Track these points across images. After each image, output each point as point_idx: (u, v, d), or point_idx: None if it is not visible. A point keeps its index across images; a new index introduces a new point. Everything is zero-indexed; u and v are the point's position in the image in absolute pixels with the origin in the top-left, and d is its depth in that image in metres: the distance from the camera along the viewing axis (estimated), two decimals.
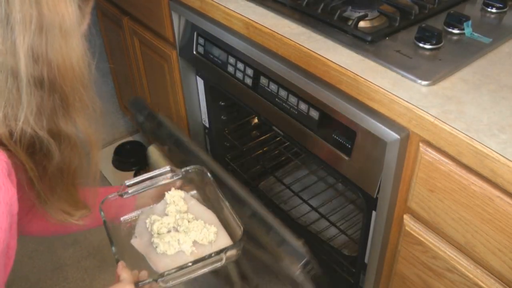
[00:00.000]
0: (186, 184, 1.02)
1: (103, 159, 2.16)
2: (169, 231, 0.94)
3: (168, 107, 1.61)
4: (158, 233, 0.93)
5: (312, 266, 0.87)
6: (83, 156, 0.74)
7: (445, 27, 0.94)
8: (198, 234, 0.92)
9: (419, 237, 0.86)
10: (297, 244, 0.91)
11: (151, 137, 1.28)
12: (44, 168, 0.68)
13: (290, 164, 1.67)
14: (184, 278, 0.86)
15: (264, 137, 1.64)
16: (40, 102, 0.62)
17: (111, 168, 2.12)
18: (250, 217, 0.94)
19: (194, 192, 1.03)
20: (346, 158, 0.93)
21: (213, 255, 0.85)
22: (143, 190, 0.97)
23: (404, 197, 0.87)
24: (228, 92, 1.24)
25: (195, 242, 0.91)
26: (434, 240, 0.84)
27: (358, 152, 0.90)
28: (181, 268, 0.84)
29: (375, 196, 0.91)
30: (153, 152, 1.24)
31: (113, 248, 0.90)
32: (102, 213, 0.92)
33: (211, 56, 1.22)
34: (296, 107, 1.01)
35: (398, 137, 0.79)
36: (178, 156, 1.17)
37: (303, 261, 0.86)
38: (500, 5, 1.00)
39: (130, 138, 2.28)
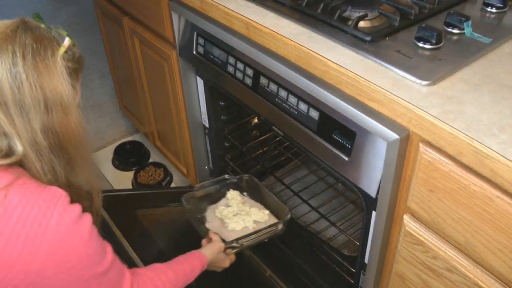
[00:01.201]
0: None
1: (103, 159, 2.16)
2: (234, 215, 1.34)
3: (168, 107, 1.61)
4: (227, 218, 1.32)
5: None
6: (88, 199, 0.87)
7: (445, 27, 0.94)
8: (257, 215, 1.33)
9: (419, 237, 0.86)
10: None
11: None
12: None
13: (290, 164, 1.67)
14: (254, 242, 1.25)
15: (264, 137, 1.64)
16: (53, 163, 0.77)
17: (111, 168, 2.12)
18: None
19: (244, 193, 1.45)
20: (346, 158, 0.93)
21: (268, 227, 1.27)
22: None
23: (404, 197, 0.87)
24: (228, 92, 1.24)
25: (254, 221, 1.31)
26: (434, 240, 0.84)
27: (358, 152, 0.90)
28: (250, 234, 1.24)
29: (375, 196, 0.91)
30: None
31: (204, 226, 1.28)
32: (185, 203, 1.31)
33: (211, 56, 1.22)
34: (296, 107, 1.01)
35: (398, 137, 0.79)
36: None
37: None
38: (500, 5, 1.00)
39: (130, 138, 2.28)
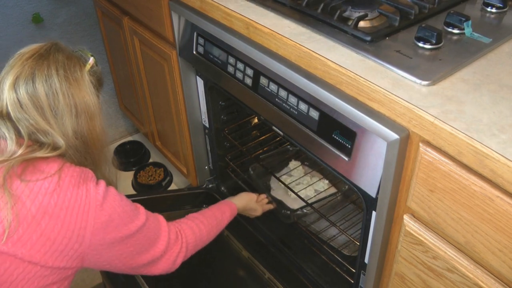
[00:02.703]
0: None
1: None
2: (297, 184, 1.52)
3: (168, 107, 1.61)
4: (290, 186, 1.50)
5: None
6: None
7: (445, 27, 0.94)
8: (317, 184, 1.53)
9: (419, 237, 0.86)
10: None
11: None
12: None
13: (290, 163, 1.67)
14: (315, 211, 1.39)
15: (264, 137, 1.64)
16: (83, 160, 0.92)
17: None
18: None
19: (306, 163, 1.61)
20: (346, 158, 0.93)
21: (328, 196, 1.44)
22: None
23: (404, 197, 0.87)
24: (228, 92, 1.24)
25: (315, 190, 1.50)
26: (434, 240, 0.84)
27: (358, 152, 0.90)
28: (313, 203, 1.40)
29: (375, 196, 0.91)
30: None
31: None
32: (251, 172, 1.53)
33: (211, 56, 1.22)
34: (296, 107, 1.01)
35: (398, 137, 0.79)
36: None
37: None
38: (500, 5, 1.00)
39: (130, 138, 2.28)
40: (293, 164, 1.62)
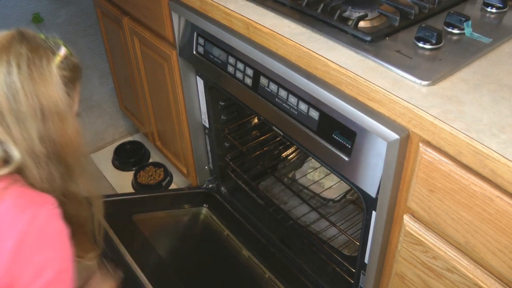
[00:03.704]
0: None
1: (103, 159, 2.16)
2: (326, 175, 1.57)
3: (168, 107, 1.61)
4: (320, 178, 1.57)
5: None
6: (88, 208, 0.88)
7: (445, 27, 0.94)
8: (333, 178, 1.57)
9: (419, 237, 0.86)
10: None
11: None
12: None
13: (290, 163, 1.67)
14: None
15: (264, 137, 1.64)
16: (51, 171, 0.78)
17: (111, 168, 2.12)
18: None
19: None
20: (346, 158, 0.93)
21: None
22: None
23: (404, 197, 0.87)
24: (228, 92, 1.24)
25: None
26: (434, 240, 0.84)
27: (358, 152, 0.90)
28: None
29: (375, 196, 0.91)
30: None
31: None
32: None
33: (211, 56, 1.22)
34: (296, 107, 1.01)
35: (398, 137, 0.79)
36: None
37: None
38: (500, 5, 1.00)
39: (130, 138, 2.28)
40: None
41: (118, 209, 1.44)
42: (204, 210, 1.59)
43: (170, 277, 1.11)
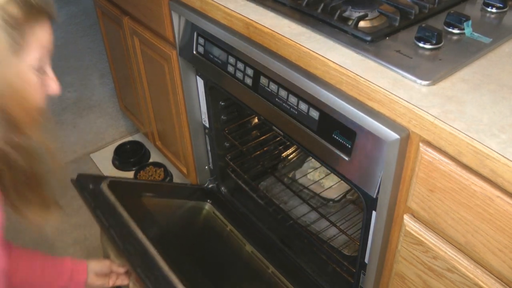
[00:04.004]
0: None
1: (103, 159, 2.16)
2: (327, 175, 1.57)
3: (168, 107, 1.61)
4: (321, 178, 1.57)
5: None
6: (43, 161, 0.81)
7: (445, 27, 0.94)
8: (333, 178, 1.57)
9: (419, 237, 0.86)
10: None
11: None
12: (11, 177, 0.77)
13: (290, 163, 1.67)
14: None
15: (264, 137, 1.64)
16: None
17: (111, 168, 2.12)
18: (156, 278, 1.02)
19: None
20: (346, 158, 0.93)
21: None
22: None
23: (404, 197, 0.87)
24: (228, 92, 1.24)
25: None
26: (434, 240, 0.84)
27: (358, 152, 0.90)
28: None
29: (375, 196, 0.91)
30: (103, 235, 1.27)
31: None
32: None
33: (211, 56, 1.22)
34: (296, 107, 1.01)
35: (398, 137, 0.79)
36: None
37: None
38: (500, 5, 1.00)
39: (130, 138, 2.28)
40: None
41: (127, 190, 1.43)
42: (207, 205, 1.59)
43: (181, 254, 1.11)
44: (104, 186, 1.30)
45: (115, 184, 1.31)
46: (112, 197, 1.27)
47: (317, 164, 1.60)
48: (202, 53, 1.26)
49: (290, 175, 1.61)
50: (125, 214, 1.23)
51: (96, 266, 1.12)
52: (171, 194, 1.57)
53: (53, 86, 0.80)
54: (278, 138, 1.67)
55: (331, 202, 1.48)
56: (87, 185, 1.30)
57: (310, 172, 1.59)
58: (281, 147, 1.69)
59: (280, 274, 1.35)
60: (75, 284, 1.07)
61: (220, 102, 1.45)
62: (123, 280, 1.18)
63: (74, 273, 1.06)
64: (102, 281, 1.12)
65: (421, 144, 0.78)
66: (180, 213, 1.53)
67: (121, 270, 1.18)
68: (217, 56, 1.20)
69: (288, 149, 1.70)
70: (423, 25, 0.90)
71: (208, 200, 1.59)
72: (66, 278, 1.05)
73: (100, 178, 1.34)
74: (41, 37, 0.72)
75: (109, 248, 1.25)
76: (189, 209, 1.55)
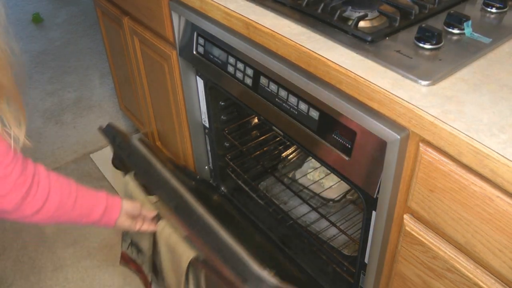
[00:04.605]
0: None
1: (103, 159, 2.16)
2: (327, 175, 1.57)
3: (168, 107, 1.61)
4: (321, 178, 1.57)
5: None
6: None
7: (445, 27, 0.94)
8: (333, 178, 1.56)
9: (419, 237, 0.86)
10: (266, 275, 0.91)
11: (124, 166, 1.28)
12: None
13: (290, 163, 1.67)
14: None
15: (264, 137, 1.64)
16: None
17: (111, 168, 2.11)
18: (219, 250, 0.98)
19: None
20: (346, 158, 0.93)
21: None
22: None
23: (404, 197, 0.87)
24: (228, 92, 1.24)
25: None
26: (434, 240, 0.84)
27: (358, 152, 0.90)
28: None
29: (375, 196, 0.91)
30: (129, 181, 1.25)
31: None
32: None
33: (211, 56, 1.22)
34: (296, 107, 1.01)
35: (398, 137, 0.79)
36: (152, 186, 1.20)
37: None
38: (500, 5, 1.00)
39: None
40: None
41: (155, 150, 1.38)
42: (215, 196, 1.59)
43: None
44: (134, 140, 1.27)
45: (144, 141, 1.28)
46: (144, 149, 1.23)
47: (317, 164, 1.60)
48: (202, 53, 1.26)
49: (290, 175, 1.61)
50: (158, 165, 1.19)
51: (128, 205, 1.07)
52: (186, 173, 1.54)
53: None
54: (278, 138, 1.67)
55: (331, 202, 1.48)
56: (118, 134, 1.28)
57: (310, 172, 1.59)
58: (281, 147, 1.69)
59: (291, 263, 1.35)
60: (106, 220, 1.02)
61: (220, 102, 1.45)
62: (149, 226, 1.13)
63: (108, 209, 1.02)
64: (130, 223, 1.08)
65: (421, 144, 0.78)
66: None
67: (150, 214, 1.13)
68: (217, 56, 1.20)
69: (288, 149, 1.69)
70: (423, 25, 0.90)
71: (215, 195, 1.59)
72: (99, 213, 1.00)
73: (127, 133, 1.31)
74: None
75: (137, 192, 1.21)
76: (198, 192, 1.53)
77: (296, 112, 1.01)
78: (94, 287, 1.62)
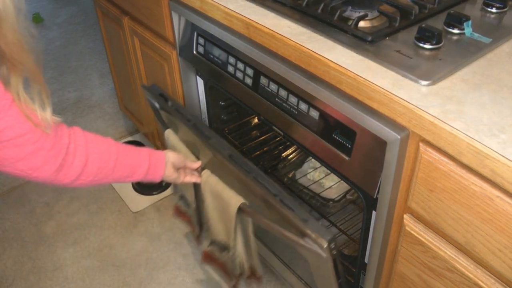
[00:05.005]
0: None
1: None
2: (327, 175, 1.56)
3: None
4: (321, 178, 1.56)
5: (335, 244, 0.89)
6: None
7: (445, 27, 0.94)
8: (333, 178, 1.55)
9: (419, 237, 0.86)
10: (320, 223, 0.94)
11: (166, 122, 1.29)
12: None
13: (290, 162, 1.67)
14: None
15: (264, 137, 1.64)
16: None
17: None
18: (276, 194, 0.99)
19: None
20: (346, 158, 0.93)
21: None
22: None
23: (404, 197, 0.87)
24: (228, 92, 1.24)
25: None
26: (434, 240, 0.84)
27: (358, 152, 0.90)
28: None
29: (375, 196, 0.91)
30: (170, 135, 1.26)
31: None
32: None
33: (211, 56, 1.22)
34: (296, 107, 1.01)
35: (398, 137, 0.79)
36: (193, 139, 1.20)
37: (329, 237, 0.88)
38: (500, 5, 1.00)
39: (130, 138, 2.28)
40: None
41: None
42: None
43: None
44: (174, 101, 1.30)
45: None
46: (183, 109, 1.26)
47: (317, 164, 1.60)
48: (202, 53, 1.26)
49: (290, 175, 1.61)
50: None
51: (174, 157, 1.08)
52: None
53: None
54: (278, 138, 1.67)
55: (331, 202, 1.48)
56: (162, 92, 1.30)
57: (310, 172, 1.59)
58: (281, 147, 1.69)
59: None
60: (151, 178, 1.03)
61: (220, 102, 1.45)
62: (195, 178, 1.15)
63: (151, 167, 1.02)
64: (176, 175, 1.09)
65: (421, 144, 0.78)
66: None
67: (195, 165, 1.14)
68: (217, 56, 1.20)
69: (288, 149, 1.69)
70: (423, 25, 0.90)
71: None
72: (142, 173, 1.01)
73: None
74: None
75: (179, 145, 1.21)
76: None
77: (296, 112, 1.01)
78: (94, 287, 1.62)
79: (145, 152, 1.03)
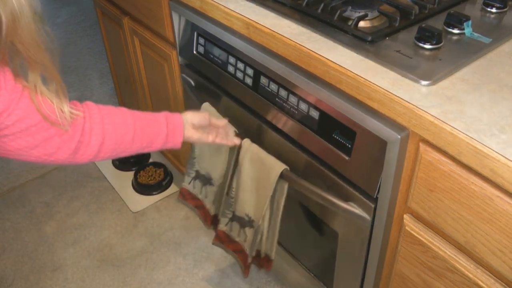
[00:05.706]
0: None
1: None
2: None
3: (168, 107, 1.61)
4: None
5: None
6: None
7: (445, 27, 0.94)
8: None
9: (419, 237, 0.86)
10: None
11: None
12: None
13: None
14: None
15: None
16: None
17: (111, 168, 2.12)
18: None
19: None
20: (346, 158, 0.93)
21: None
22: None
23: (404, 197, 0.87)
24: (228, 92, 1.24)
25: None
26: (434, 240, 0.84)
27: (358, 152, 0.90)
28: None
29: (375, 196, 0.91)
30: (207, 108, 1.25)
31: None
32: None
33: (211, 56, 1.22)
34: (296, 107, 1.01)
35: (398, 137, 0.79)
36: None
37: (374, 203, 0.92)
38: (500, 5, 1.00)
39: None
40: None
41: None
42: None
43: None
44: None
45: None
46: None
47: None
48: (202, 53, 1.26)
49: None
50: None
51: (193, 117, 1.03)
52: None
53: None
54: None
55: None
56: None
57: None
58: None
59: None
60: (171, 145, 1.01)
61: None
62: (232, 141, 1.11)
63: (169, 134, 0.99)
64: (200, 135, 1.04)
65: (421, 144, 0.78)
66: None
67: (221, 123, 1.10)
68: (217, 56, 1.20)
69: None
70: (423, 25, 0.90)
71: None
72: (161, 142, 0.99)
73: None
74: None
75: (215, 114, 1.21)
76: None
77: (296, 112, 1.01)
78: (94, 287, 1.62)
79: (162, 118, 1.01)
